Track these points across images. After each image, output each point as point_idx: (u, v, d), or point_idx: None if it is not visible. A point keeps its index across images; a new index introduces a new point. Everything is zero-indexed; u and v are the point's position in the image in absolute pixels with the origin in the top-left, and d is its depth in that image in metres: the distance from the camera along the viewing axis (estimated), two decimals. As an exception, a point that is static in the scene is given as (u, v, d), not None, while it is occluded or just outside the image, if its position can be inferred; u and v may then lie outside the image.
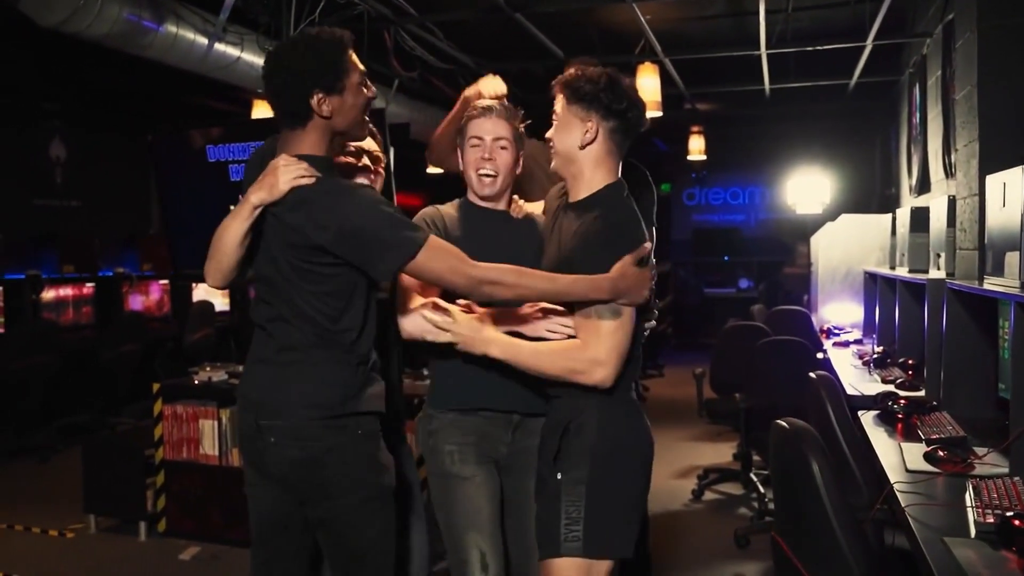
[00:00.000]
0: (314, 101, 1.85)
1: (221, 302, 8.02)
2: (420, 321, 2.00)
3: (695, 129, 8.86)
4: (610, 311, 1.87)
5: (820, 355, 4.50)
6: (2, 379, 5.70)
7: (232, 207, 1.91)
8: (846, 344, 4.80)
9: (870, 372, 3.77)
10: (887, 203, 7.41)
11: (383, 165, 2.37)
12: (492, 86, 2.38)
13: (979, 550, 1.62)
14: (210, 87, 5.50)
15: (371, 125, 2.29)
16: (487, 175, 2.15)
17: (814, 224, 8.08)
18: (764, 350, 4.41)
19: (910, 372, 3.46)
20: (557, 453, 1.93)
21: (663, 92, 5.77)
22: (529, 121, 2.27)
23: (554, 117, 2.02)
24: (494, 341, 1.92)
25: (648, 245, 1.90)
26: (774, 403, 3.84)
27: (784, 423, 1.91)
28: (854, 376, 3.71)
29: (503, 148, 2.15)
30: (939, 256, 3.53)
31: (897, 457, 2.33)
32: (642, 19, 5.31)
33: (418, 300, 2.06)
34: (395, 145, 2.39)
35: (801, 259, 10.64)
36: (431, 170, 2.96)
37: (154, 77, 5.52)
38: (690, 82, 7.35)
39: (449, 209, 2.22)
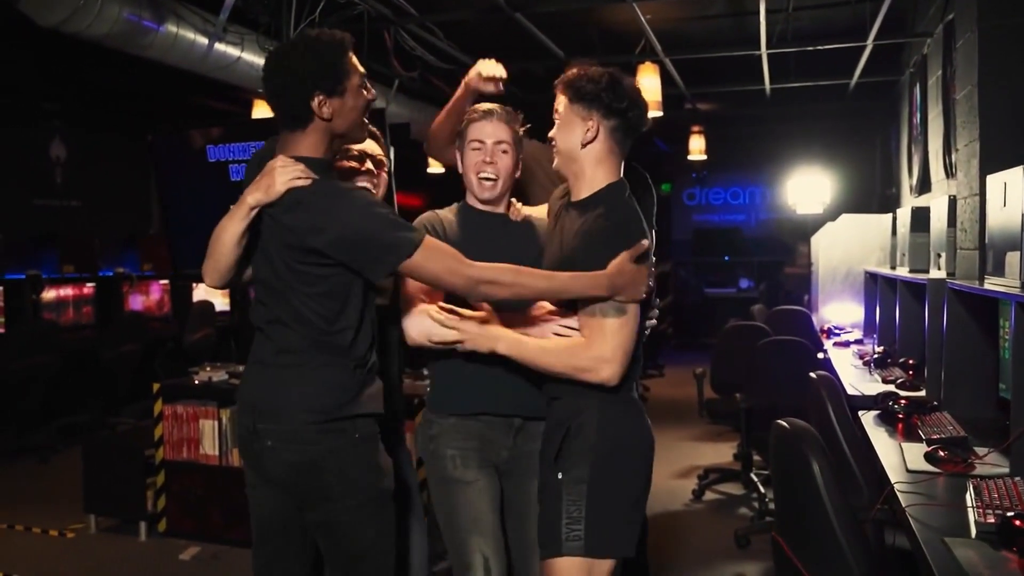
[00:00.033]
0: (315, 103, 1.85)
1: (221, 302, 8.02)
2: (426, 324, 1.99)
3: (695, 129, 8.86)
4: (615, 309, 1.87)
5: (820, 355, 4.50)
6: (2, 379, 5.70)
7: (232, 207, 1.92)
8: (846, 344, 4.80)
9: (870, 372, 3.76)
10: (887, 203, 7.41)
11: (386, 169, 2.36)
12: (491, 68, 2.35)
13: (980, 550, 1.62)
14: (210, 87, 5.50)
15: (373, 128, 2.30)
16: (488, 179, 2.14)
17: (814, 224, 8.08)
18: (764, 350, 4.41)
19: (910, 372, 3.46)
20: (558, 453, 1.93)
21: (663, 92, 5.77)
22: (528, 125, 2.26)
23: (556, 117, 2.02)
24: (501, 337, 1.92)
25: (646, 242, 1.90)
26: (774, 403, 3.84)
27: (785, 423, 1.91)
28: (854, 376, 3.71)
29: (504, 152, 2.15)
30: (940, 256, 3.52)
31: (898, 457, 2.32)
32: (642, 19, 5.31)
33: (422, 306, 2.06)
34: (395, 145, 2.38)
35: (801, 259, 10.64)
36: (431, 170, 2.96)
37: (154, 77, 5.51)
38: (690, 82, 7.35)
39: (448, 214, 2.21)
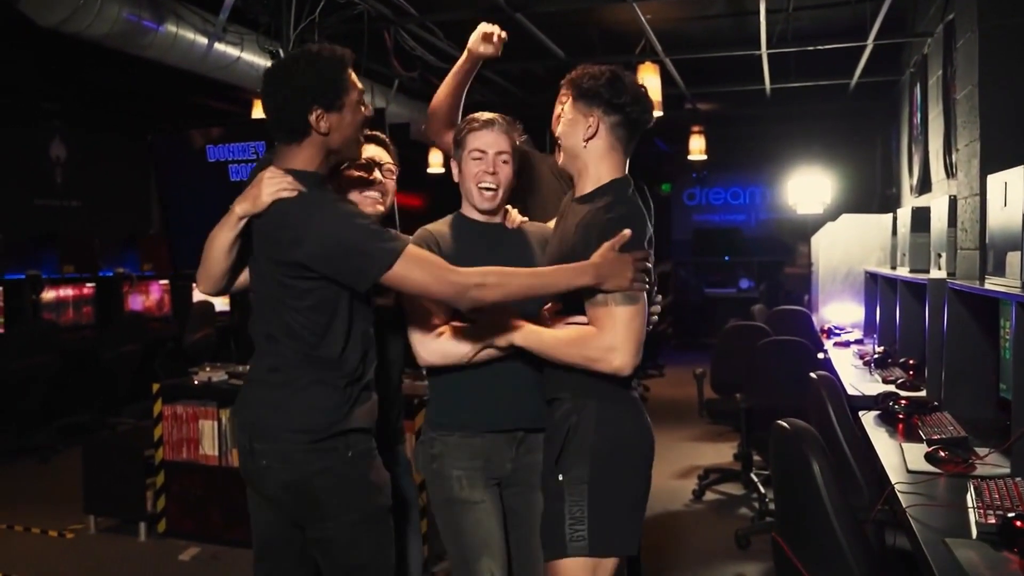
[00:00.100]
0: (312, 117, 1.85)
1: (221, 302, 8.00)
2: (440, 344, 2.02)
3: (696, 129, 8.86)
4: (624, 298, 1.86)
5: (821, 355, 4.49)
6: (2, 379, 5.69)
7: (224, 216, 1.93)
8: (847, 344, 4.80)
9: (871, 372, 3.76)
10: (888, 203, 7.41)
11: (395, 176, 2.33)
12: (488, 27, 2.34)
13: (980, 551, 1.62)
14: (210, 87, 5.50)
15: (384, 136, 2.29)
16: (489, 188, 2.11)
17: (815, 224, 8.08)
18: (765, 350, 4.41)
19: (911, 372, 3.46)
20: (559, 455, 1.92)
21: (664, 92, 5.77)
22: (526, 137, 2.25)
23: (562, 115, 2.03)
24: (517, 328, 1.95)
25: (628, 231, 1.87)
26: (775, 403, 3.83)
27: (785, 423, 1.90)
28: (855, 376, 3.71)
29: (505, 162, 2.12)
30: (940, 256, 3.52)
31: (898, 457, 2.32)
32: (643, 19, 5.31)
33: (433, 326, 2.05)
34: (395, 145, 2.37)
35: (802, 259, 10.65)
36: (431, 170, 2.95)
37: (154, 77, 5.51)
38: (691, 82, 7.35)
39: (441, 227, 2.17)
